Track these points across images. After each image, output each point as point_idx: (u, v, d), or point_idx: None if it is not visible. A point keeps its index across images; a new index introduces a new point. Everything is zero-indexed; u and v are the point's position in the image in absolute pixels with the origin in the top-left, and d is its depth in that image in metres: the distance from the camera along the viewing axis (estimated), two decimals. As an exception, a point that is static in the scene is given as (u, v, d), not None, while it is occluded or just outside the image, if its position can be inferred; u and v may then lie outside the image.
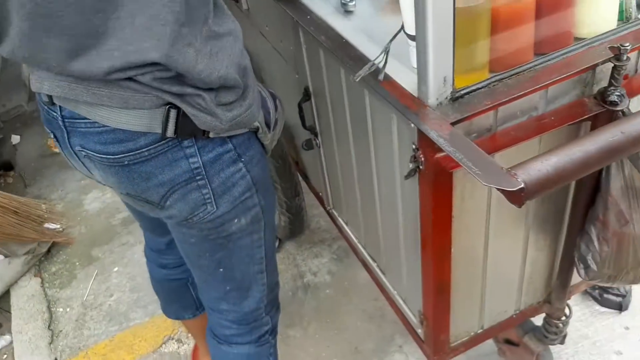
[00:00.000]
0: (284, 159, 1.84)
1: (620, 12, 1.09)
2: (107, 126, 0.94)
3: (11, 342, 2.18)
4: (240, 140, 1.05)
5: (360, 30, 1.19)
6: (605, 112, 1.06)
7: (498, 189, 0.81)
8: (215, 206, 1.06)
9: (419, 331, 1.46)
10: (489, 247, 1.27)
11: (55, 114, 0.99)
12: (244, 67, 0.99)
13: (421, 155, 1.04)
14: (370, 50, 1.13)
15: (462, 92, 0.97)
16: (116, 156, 0.97)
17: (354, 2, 1.25)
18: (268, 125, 1.13)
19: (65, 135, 1.00)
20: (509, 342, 1.74)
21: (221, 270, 1.21)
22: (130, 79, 0.88)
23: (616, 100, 1.04)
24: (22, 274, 2.29)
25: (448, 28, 0.87)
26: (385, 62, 0.95)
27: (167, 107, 0.92)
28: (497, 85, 0.99)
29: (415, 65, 0.97)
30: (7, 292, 2.29)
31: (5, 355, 2.17)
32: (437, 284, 1.27)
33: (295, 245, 2.29)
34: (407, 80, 1.03)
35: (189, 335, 2.01)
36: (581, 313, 1.91)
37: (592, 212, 1.23)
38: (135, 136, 0.95)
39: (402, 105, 0.98)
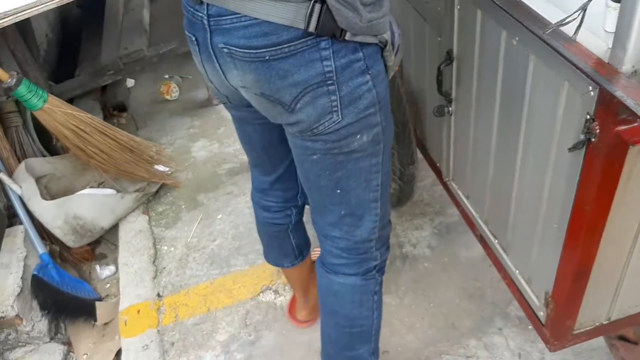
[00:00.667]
0: (405, 125, 1.81)
1: None
2: (254, 19, 0.98)
3: (115, 273, 2.29)
4: (369, 52, 1.07)
5: (535, -9, 1.13)
6: None
7: None
8: (340, 116, 1.09)
9: (540, 314, 1.41)
10: (640, 235, 1.20)
11: (201, 14, 1.04)
12: None
13: (596, 127, 0.98)
14: (548, 11, 1.07)
15: (661, 61, 0.90)
16: (258, 50, 1.00)
17: (528, -39, 1.18)
18: (393, 46, 1.14)
19: (208, 35, 1.05)
20: (624, 339, 1.66)
21: (338, 191, 1.23)
22: None
23: None
24: (132, 210, 2.38)
25: (666, -12, 0.80)
26: (581, 21, 0.89)
27: (313, 1, 0.96)
28: (701, 57, 0.91)
29: (610, 29, 0.91)
30: (114, 227, 2.39)
31: (108, 285, 2.28)
32: (578, 268, 1.22)
33: (396, 215, 2.27)
34: (592, 44, 0.97)
35: (287, 287, 2.04)
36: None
37: None
38: (279, 30, 0.98)
39: (592, 69, 0.92)
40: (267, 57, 1.01)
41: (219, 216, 2.38)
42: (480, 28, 1.29)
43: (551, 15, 1.05)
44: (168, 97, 2.94)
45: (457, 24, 1.38)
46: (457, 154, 1.67)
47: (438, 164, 1.84)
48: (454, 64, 1.47)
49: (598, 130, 0.98)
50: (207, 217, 2.39)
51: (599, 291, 1.31)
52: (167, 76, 3.06)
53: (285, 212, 1.57)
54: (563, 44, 0.97)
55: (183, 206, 2.46)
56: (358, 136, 1.13)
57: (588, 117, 0.99)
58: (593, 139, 1.00)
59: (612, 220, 1.12)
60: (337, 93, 1.06)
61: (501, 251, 1.54)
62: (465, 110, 1.50)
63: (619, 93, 0.86)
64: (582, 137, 1.01)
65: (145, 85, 3.13)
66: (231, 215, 2.37)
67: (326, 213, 1.29)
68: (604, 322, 1.40)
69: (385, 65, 1.14)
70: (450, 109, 1.58)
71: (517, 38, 1.14)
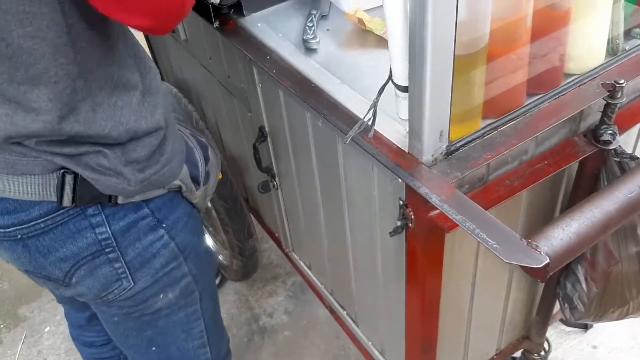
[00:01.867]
0: (235, 199, 1.69)
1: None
2: None
3: None
4: (159, 203, 0.91)
5: (328, 71, 1.07)
6: (598, 152, 0.99)
7: (520, 266, 0.71)
8: (132, 281, 0.92)
9: (400, 384, 1.36)
10: (475, 295, 1.19)
11: None
12: (162, 118, 0.85)
13: (411, 213, 0.93)
14: (344, 94, 1.01)
15: (458, 144, 0.87)
16: (7, 230, 0.82)
17: (317, 39, 1.12)
18: (196, 181, 0.98)
19: None
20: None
21: (154, 349, 1.05)
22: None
23: (609, 139, 0.98)
24: None
25: (446, 79, 0.76)
26: (374, 119, 0.83)
27: (62, 171, 0.79)
28: (493, 134, 0.89)
29: (404, 117, 0.87)
30: None
31: None
32: (425, 340, 1.17)
33: (247, 286, 2.14)
34: (392, 130, 0.92)
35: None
36: (548, 335, 1.88)
37: (579, 252, 1.17)
38: (28, 206, 0.80)
39: (393, 163, 0.86)
40: (19, 236, 0.82)
41: (47, 329, 2.06)
42: (285, 107, 1.21)
43: (349, 100, 1.00)
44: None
45: (262, 101, 1.30)
46: (293, 226, 1.59)
47: (276, 234, 1.75)
48: (269, 139, 1.38)
49: (413, 216, 0.93)
50: (32, 334, 2.06)
51: (450, 354, 1.28)
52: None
53: (112, 344, 1.35)
54: (362, 135, 0.91)
55: (2, 325, 2.10)
56: (161, 295, 0.96)
57: (401, 202, 0.94)
58: (410, 224, 0.95)
59: (446, 292, 1.09)
60: (122, 259, 0.88)
61: (351, 322, 1.48)
62: (290, 185, 1.42)
63: (422, 190, 0.81)
64: (398, 223, 0.96)
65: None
66: (61, 326, 2.06)
67: None
68: (461, 377, 1.39)
69: (192, 203, 0.98)
70: (275, 182, 1.50)
71: (320, 121, 1.08)
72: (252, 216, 1.86)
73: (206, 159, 1.01)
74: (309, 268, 1.61)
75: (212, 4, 1.16)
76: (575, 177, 1.07)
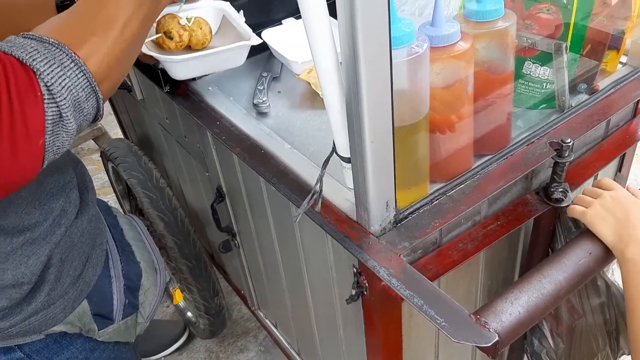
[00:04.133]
0: (199, 258, 1.65)
1: (548, 100, 1.04)
2: None
3: None
4: (39, 346, 0.80)
5: (278, 136, 1.05)
6: (551, 209, 0.99)
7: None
8: None
9: None
10: (440, 355, 1.16)
11: None
12: (37, 267, 0.73)
13: (365, 281, 0.91)
14: (294, 160, 0.99)
15: (406, 212, 0.85)
16: None
17: (267, 103, 1.11)
18: (107, 317, 0.86)
19: None
20: None
21: None
22: None
23: (561, 197, 0.97)
24: None
25: (388, 151, 0.75)
26: (321, 192, 0.81)
27: None
28: (442, 199, 0.88)
29: (351, 186, 0.85)
30: None
31: None
32: (390, 406, 1.14)
33: (217, 341, 2.08)
34: (340, 197, 0.90)
35: None
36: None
37: (542, 306, 1.16)
38: None
39: (341, 235, 0.84)
40: None
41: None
42: (240, 169, 1.19)
43: (299, 166, 0.98)
44: None
45: (218, 162, 1.28)
46: (257, 284, 1.55)
47: (242, 292, 1.71)
48: (227, 199, 1.36)
49: (367, 284, 0.91)
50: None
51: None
52: None
53: None
54: (312, 205, 0.89)
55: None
56: None
57: (355, 270, 0.92)
58: (365, 292, 0.93)
59: (409, 352, 1.06)
60: None
61: (320, 383, 1.43)
62: (251, 244, 1.39)
63: (371, 263, 0.79)
64: (353, 291, 0.94)
65: None
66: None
67: None
68: None
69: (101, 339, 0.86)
70: (237, 241, 1.47)
71: (272, 186, 1.06)
72: (217, 272, 1.82)
73: (134, 289, 0.91)
74: (275, 327, 1.57)
75: (161, 69, 1.15)
76: (531, 233, 1.06)
